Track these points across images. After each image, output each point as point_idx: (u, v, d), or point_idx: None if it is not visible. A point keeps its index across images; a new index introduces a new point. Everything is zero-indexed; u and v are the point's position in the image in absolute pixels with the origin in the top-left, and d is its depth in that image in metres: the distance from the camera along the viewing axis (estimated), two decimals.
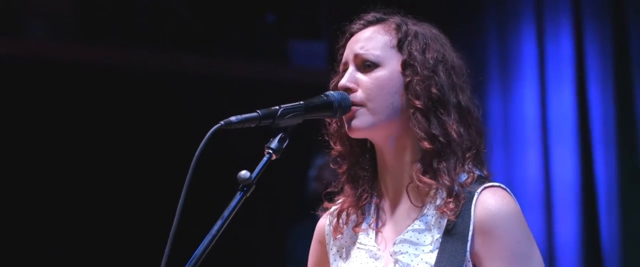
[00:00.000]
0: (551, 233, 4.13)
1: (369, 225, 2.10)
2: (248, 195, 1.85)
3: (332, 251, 2.16)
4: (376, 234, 2.09)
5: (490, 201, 1.99)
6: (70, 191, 5.14)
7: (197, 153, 1.83)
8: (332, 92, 2.04)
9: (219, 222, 1.83)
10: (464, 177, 2.03)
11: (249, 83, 5.58)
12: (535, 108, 4.32)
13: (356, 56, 2.07)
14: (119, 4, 5.53)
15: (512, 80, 4.47)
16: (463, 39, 4.63)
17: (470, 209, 1.98)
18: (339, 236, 2.13)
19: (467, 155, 2.03)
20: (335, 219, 2.14)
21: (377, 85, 2.03)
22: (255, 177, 1.86)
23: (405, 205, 2.07)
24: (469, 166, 2.04)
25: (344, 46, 2.13)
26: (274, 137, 1.93)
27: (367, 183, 2.12)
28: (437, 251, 1.98)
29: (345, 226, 2.13)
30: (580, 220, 4.07)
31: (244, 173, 1.85)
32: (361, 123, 2.03)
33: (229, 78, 5.62)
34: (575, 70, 4.20)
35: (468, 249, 1.96)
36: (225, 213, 1.83)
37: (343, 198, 2.15)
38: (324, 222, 2.21)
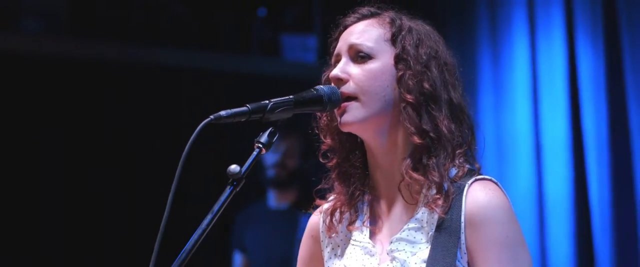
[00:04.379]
0: (543, 240, 4.13)
1: (363, 222, 2.10)
2: (238, 189, 1.86)
3: (327, 249, 2.16)
4: (370, 231, 2.10)
5: (480, 194, 1.99)
6: (62, 183, 5.13)
7: (187, 147, 1.83)
8: (321, 86, 2.03)
9: (209, 217, 1.83)
10: (454, 171, 2.03)
11: (240, 77, 5.58)
12: (527, 115, 4.32)
13: (350, 47, 2.06)
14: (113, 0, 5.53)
15: (504, 85, 4.47)
16: (456, 45, 4.64)
17: (461, 201, 1.98)
18: (334, 234, 2.13)
19: (458, 151, 2.04)
20: (329, 217, 2.13)
21: (369, 77, 2.02)
22: (245, 171, 1.86)
23: (398, 203, 2.07)
24: (460, 161, 2.03)
25: (337, 39, 2.12)
26: (264, 131, 1.93)
27: (358, 180, 2.12)
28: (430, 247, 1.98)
29: (339, 225, 2.12)
30: (573, 227, 4.06)
31: (233, 167, 1.85)
32: (353, 117, 2.02)
33: (221, 72, 5.62)
34: (568, 72, 4.20)
35: (463, 241, 1.97)
36: (215, 207, 1.83)
37: (335, 196, 2.14)
38: (317, 218, 2.20)
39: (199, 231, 1.82)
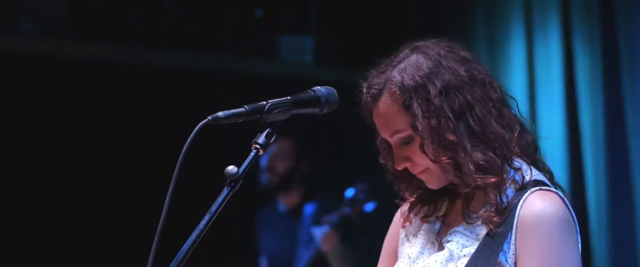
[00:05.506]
0: None
1: (437, 217, 2.18)
2: (235, 190, 1.86)
3: (402, 235, 2.24)
4: (441, 224, 2.17)
5: (538, 202, 2.01)
6: (60, 184, 5.13)
7: (184, 148, 1.83)
8: (319, 87, 2.04)
9: (206, 217, 1.83)
10: (518, 178, 2.06)
11: (237, 78, 5.58)
12: (524, 116, 4.32)
13: (390, 136, 2.10)
14: (110, 0, 5.53)
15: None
16: None
17: (517, 207, 2.02)
18: (407, 224, 2.21)
19: (507, 166, 2.06)
20: (408, 209, 2.21)
21: (422, 153, 2.06)
22: (243, 172, 1.87)
23: (467, 203, 2.13)
24: (516, 166, 2.07)
25: (369, 117, 2.14)
26: (261, 132, 1.94)
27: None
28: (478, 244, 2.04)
29: (415, 217, 2.20)
30: None
31: (231, 168, 1.86)
32: (436, 186, 2.12)
33: (218, 73, 5.62)
34: (564, 73, 4.20)
35: (512, 242, 2.00)
36: (213, 208, 1.84)
37: (420, 192, 2.20)
38: (399, 212, 2.28)
39: (196, 232, 1.83)
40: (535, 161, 2.15)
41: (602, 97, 4.06)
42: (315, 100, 2.03)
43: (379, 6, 5.47)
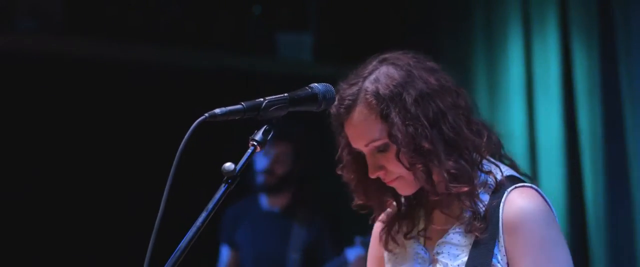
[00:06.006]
0: None
1: (418, 232, 2.19)
2: (232, 187, 1.86)
3: (386, 254, 2.26)
4: (425, 238, 2.19)
5: (518, 200, 2.06)
6: (56, 184, 5.13)
7: (181, 145, 1.83)
8: (316, 84, 2.04)
9: (203, 214, 1.83)
10: (490, 180, 2.10)
11: (235, 75, 5.58)
12: (522, 115, 4.33)
13: (364, 146, 2.11)
14: None
15: (499, 85, 4.48)
16: (450, 44, 4.65)
17: (498, 209, 2.06)
18: (391, 243, 2.23)
19: (478, 172, 2.10)
20: (386, 229, 2.23)
21: (396, 161, 2.08)
22: (240, 169, 1.87)
23: (446, 211, 2.14)
24: (486, 169, 2.11)
25: (341, 128, 2.15)
26: (259, 129, 1.94)
27: (413, 194, 2.19)
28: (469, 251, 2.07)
29: (397, 235, 2.22)
30: (568, 227, 4.07)
31: (228, 165, 1.85)
32: (408, 192, 2.15)
33: (216, 70, 5.62)
34: (562, 72, 4.20)
35: (502, 244, 2.04)
36: (210, 205, 1.84)
37: (393, 206, 2.23)
38: (381, 226, 2.28)
39: (193, 229, 1.83)
40: (501, 158, 2.20)
41: (600, 97, 4.06)
42: (313, 97, 2.02)
43: (377, 3, 5.46)
